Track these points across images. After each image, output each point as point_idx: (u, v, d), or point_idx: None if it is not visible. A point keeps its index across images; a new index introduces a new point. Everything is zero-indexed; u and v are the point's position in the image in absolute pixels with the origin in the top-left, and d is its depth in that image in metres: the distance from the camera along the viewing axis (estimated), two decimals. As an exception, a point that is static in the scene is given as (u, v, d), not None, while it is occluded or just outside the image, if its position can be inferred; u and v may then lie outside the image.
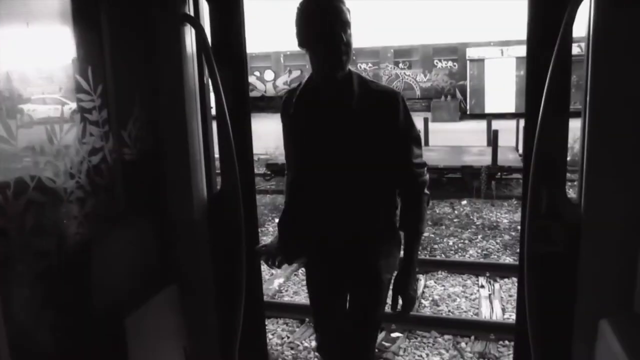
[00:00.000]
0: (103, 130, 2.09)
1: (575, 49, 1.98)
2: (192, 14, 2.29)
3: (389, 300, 2.29)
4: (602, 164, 1.90)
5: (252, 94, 24.99)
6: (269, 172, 12.02)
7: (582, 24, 1.91)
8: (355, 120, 2.00)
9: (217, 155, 2.45)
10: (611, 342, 1.77)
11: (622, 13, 1.78)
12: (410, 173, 2.10)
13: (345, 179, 2.03)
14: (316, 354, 4.72)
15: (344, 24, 1.92)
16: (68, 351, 1.98)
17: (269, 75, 26.40)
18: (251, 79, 25.38)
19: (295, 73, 25.88)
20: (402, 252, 2.27)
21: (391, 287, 2.23)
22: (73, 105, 1.97)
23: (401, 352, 4.59)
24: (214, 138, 2.46)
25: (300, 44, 2.03)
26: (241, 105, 2.42)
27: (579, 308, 2.02)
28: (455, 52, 24.43)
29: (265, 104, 25.89)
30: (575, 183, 2.15)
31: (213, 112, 2.38)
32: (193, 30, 2.29)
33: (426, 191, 2.16)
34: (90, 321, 2.01)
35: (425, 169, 2.17)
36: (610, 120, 1.87)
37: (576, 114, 1.98)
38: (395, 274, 2.23)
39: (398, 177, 2.12)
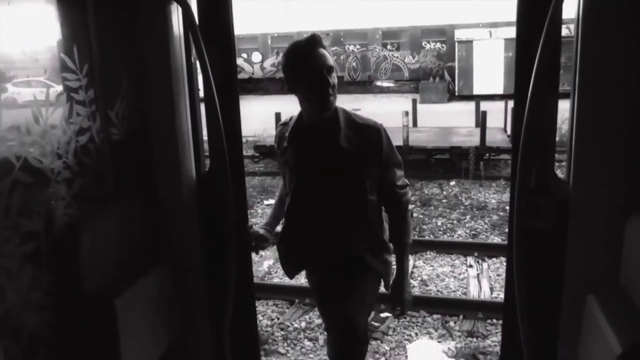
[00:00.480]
0: (90, 110, 2.07)
1: (564, 31, 1.98)
2: (178, -9, 2.26)
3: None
4: (590, 143, 1.92)
5: (240, 76, 24.74)
6: (257, 154, 12.00)
7: (571, 5, 1.91)
8: (342, 153, 2.23)
9: (205, 137, 2.44)
10: (597, 316, 1.80)
11: None
12: (395, 193, 2.37)
13: (337, 201, 2.29)
14: (306, 334, 4.76)
15: (330, 69, 2.15)
16: (58, 332, 1.97)
17: (256, 57, 26.24)
18: (238, 61, 25.08)
19: (283, 55, 25.73)
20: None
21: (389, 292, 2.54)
22: (59, 88, 1.94)
23: (390, 332, 4.64)
24: (202, 119, 2.45)
25: (290, 89, 2.26)
26: (229, 85, 2.40)
27: (566, 284, 2.05)
28: (444, 33, 24.38)
29: (253, 86, 25.79)
30: (564, 164, 2.16)
31: (201, 94, 2.37)
32: (180, 9, 2.26)
33: (410, 207, 2.46)
34: (79, 302, 2.00)
35: (408, 188, 2.45)
36: (598, 101, 1.88)
37: (565, 95, 1.99)
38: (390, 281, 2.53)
39: (384, 197, 2.38)
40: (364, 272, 2.42)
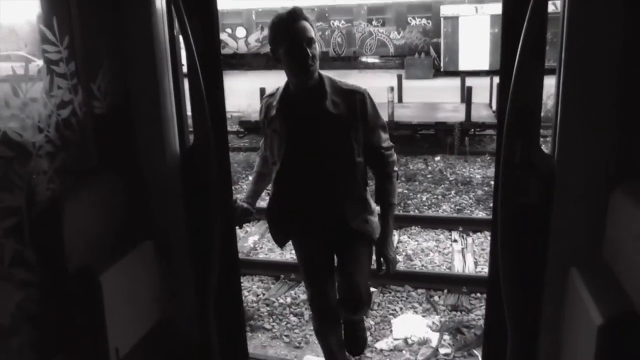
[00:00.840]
0: (71, 82, 2.03)
1: (551, 7, 1.97)
2: (160, -39, 2.21)
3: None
4: (575, 118, 1.93)
5: (224, 51, 24.55)
6: (242, 130, 11.93)
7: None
8: (330, 117, 2.32)
9: (189, 112, 2.41)
10: (580, 289, 1.82)
11: None
12: (381, 154, 2.47)
13: (327, 165, 2.38)
14: (291, 309, 4.78)
15: (310, 41, 2.23)
16: (42, 308, 1.96)
17: (240, 32, 25.92)
18: (223, 36, 24.89)
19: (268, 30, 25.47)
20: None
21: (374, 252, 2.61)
22: (39, 61, 1.90)
23: (375, 307, 4.68)
24: (185, 93, 2.41)
25: (274, 58, 2.35)
26: (213, 59, 2.37)
27: (550, 258, 2.06)
28: (429, 9, 24.21)
29: (237, 62, 25.51)
30: (549, 139, 2.17)
31: (185, 69, 2.33)
32: (162, -20, 2.21)
33: (395, 168, 2.55)
34: (64, 278, 1.99)
35: (393, 149, 2.55)
36: (584, 77, 1.88)
37: (551, 72, 1.99)
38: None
39: (371, 159, 2.48)
40: (356, 239, 2.53)
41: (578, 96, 1.90)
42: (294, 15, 2.24)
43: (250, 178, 2.62)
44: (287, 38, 2.24)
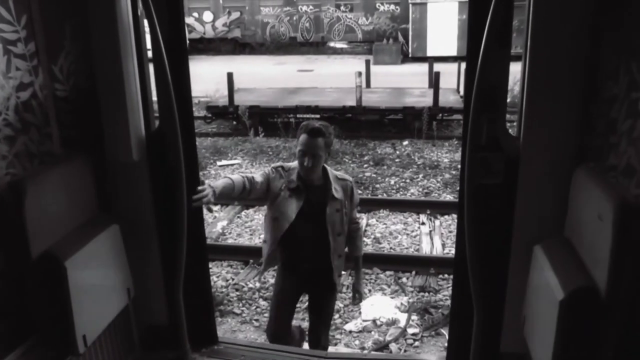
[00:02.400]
0: (31, 64, 1.97)
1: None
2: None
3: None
4: (540, 101, 1.98)
5: (191, 35, 24.17)
6: (209, 115, 11.80)
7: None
8: (333, 200, 3.01)
9: (155, 97, 2.37)
10: (543, 265, 1.87)
11: None
12: (356, 223, 3.25)
13: (320, 230, 3.00)
14: (261, 293, 4.79)
15: (314, 155, 2.85)
16: (6, 296, 1.93)
17: (207, 16, 25.53)
18: (189, 20, 24.48)
19: (235, 14, 25.16)
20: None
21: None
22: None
23: (344, 290, 4.72)
24: (150, 77, 2.37)
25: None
26: (178, 42, 2.33)
27: (514, 237, 2.12)
28: (398, -5, 24.27)
29: (205, 46, 25.16)
30: (515, 124, 2.21)
31: (150, 54, 2.29)
32: (124, -41, 2.16)
33: (361, 232, 3.40)
34: (27, 264, 1.94)
35: (361, 220, 3.52)
36: (548, 63, 1.93)
37: (518, 58, 2.03)
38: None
39: (351, 227, 3.20)
40: (331, 292, 3.23)
41: (543, 81, 1.95)
42: (312, 132, 2.86)
43: (231, 175, 2.88)
44: (301, 145, 2.87)
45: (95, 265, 2.22)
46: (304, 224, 2.99)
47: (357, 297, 3.42)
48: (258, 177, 2.95)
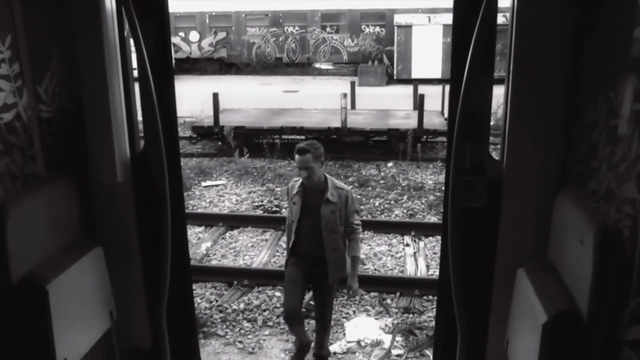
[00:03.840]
0: (15, 85, 1.96)
1: (501, 19, 2.04)
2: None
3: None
4: (523, 125, 2.00)
5: (177, 55, 24.23)
6: (195, 135, 11.78)
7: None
8: (331, 203, 3.87)
9: (140, 117, 2.37)
10: (526, 288, 1.88)
11: None
12: (353, 227, 4.00)
13: (317, 226, 3.86)
14: (245, 315, 4.76)
15: (306, 168, 3.80)
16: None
17: (194, 36, 25.65)
18: (176, 40, 24.57)
19: (221, 34, 25.29)
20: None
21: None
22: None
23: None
24: (136, 97, 2.37)
25: None
26: (164, 62, 2.34)
27: (498, 260, 2.13)
28: (383, 17, 24.56)
29: (191, 66, 25.23)
30: (499, 146, 2.24)
31: (135, 74, 2.29)
32: (111, -20, 2.17)
33: (360, 236, 4.16)
34: (8, 288, 1.91)
35: (360, 226, 4.13)
36: (531, 87, 1.96)
37: (501, 82, 2.06)
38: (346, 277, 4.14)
39: (347, 229, 3.98)
40: (326, 277, 3.93)
41: (526, 105, 1.97)
42: (300, 151, 3.79)
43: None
44: (296, 163, 3.92)
45: (78, 288, 2.19)
46: (305, 221, 3.91)
47: (351, 293, 4.14)
48: (287, 209, 4.28)
